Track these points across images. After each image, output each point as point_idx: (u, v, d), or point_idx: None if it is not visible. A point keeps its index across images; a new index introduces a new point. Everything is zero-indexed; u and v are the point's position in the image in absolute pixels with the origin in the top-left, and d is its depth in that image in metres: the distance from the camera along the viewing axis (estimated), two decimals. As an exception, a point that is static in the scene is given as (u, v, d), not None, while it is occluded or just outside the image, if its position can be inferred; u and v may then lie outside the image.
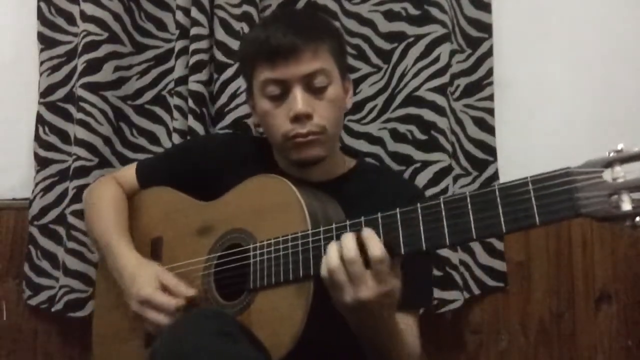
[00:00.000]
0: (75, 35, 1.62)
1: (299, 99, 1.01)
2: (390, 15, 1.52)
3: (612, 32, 1.52)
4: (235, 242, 1.02)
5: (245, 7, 1.48)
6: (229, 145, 1.22)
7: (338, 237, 0.87)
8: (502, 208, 0.75)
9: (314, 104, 1.03)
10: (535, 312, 1.49)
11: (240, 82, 1.47)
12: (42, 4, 1.65)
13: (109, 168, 1.54)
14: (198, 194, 1.14)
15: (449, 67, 1.46)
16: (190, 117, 1.48)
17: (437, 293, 1.41)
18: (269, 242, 0.96)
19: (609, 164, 0.72)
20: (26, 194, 1.63)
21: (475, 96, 1.52)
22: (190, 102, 1.48)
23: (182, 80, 1.51)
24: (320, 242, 0.89)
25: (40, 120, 1.62)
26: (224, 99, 1.49)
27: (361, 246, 0.83)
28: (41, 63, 1.63)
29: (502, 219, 0.75)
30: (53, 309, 1.54)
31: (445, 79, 1.45)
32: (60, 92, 1.62)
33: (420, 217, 0.81)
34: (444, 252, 1.42)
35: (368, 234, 0.84)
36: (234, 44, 1.49)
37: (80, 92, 1.53)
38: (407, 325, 1.01)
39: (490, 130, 1.52)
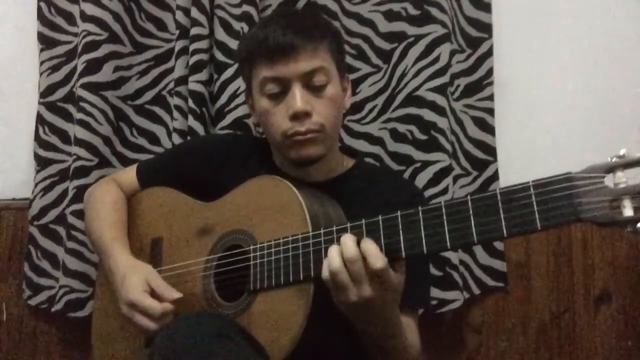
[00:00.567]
0: (75, 35, 1.62)
1: (298, 97, 1.02)
2: (390, 15, 1.52)
3: (612, 32, 1.51)
4: (236, 243, 1.02)
5: (245, 7, 1.48)
6: (229, 145, 1.22)
7: (339, 240, 0.87)
8: (503, 213, 0.75)
9: (312, 102, 1.03)
10: (535, 312, 1.49)
11: (240, 82, 1.47)
12: (42, 4, 1.65)
13: (109, 168, 1.54)
14: (198, 194, 1.14)
15: (449, 67, 1.46)
16: (190, 117, 1.48)
17: (437, 293, 1.41)
18: (269, 243, 0.95)
19: (611, 169, 0.71)
20: (26, 194, 1.63)
21: (475, 96, 1.52)
22: (190, 102, 1.48)
23: (182, 80, 1.51)
24: (320, 245, 0.89)
25: (40, 120, 1.62)
26: (224, 99, 1.49)
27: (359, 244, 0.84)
28: (41, 63, 1.64)
29: (503, 224, 0.75)
30: (53, 309, 1.54)
31: (445, 79, 1.45)
32: (60, 92, 1.62)
33: (422, 221, 0.81)
34: (444, 252, 1.42)
35: (368, 246, 0.83)
36: (234, 44, 1.49)
37: (80, 92, 1.53)
38: (408, 324, 1.01)
39: (490, 130, 1.52)
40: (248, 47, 1.08)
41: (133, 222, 1.20)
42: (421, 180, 1.44)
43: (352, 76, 1.51)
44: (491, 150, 1.52)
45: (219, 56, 1.50)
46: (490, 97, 1.52)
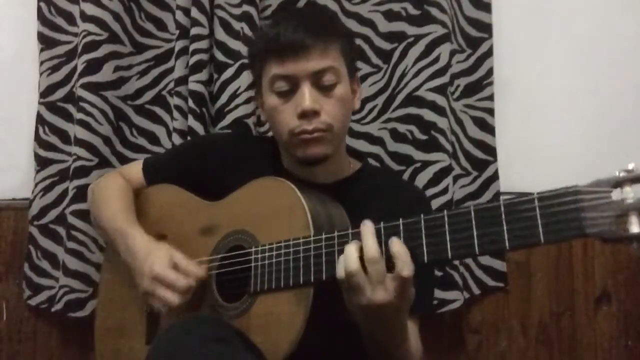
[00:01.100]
0: (75, 35, 1.62)
1: (307, 96, 1.01)
2: (390, 15, 1.52)
3: (612, 31, 1.52)
4: (238, 243, 1.02)
5: (245, 7, 1.48)
6: (235, 144, 1.22)
7: (340, 245, 0.86)
8: (505, 224, 0.74)
9: (321, 101, 1.03)
10: (535, 312, 1.49)
11: (240, 82, 1.47)
12: (42, 4, 1.65)
13: (109, 168, 1.54)
14: (203, 192, 1.14)
15: (449, 67, 1.46)
16: (190, 117, 1.48)
17: (437, 293, 1.41)
18: (270, 246, 0.95)
19: (619, 183, 0.70)
20: (26, 194, 1.63)
21: (475, 96, 1.52)
22: (190, 102, 1.48)
23: (182, 80, 1.51)
24: (321, 250, 0.89)
25: (40, 120, 1.62)
26: (224, 99, 1.49)
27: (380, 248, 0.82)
28: (41, 63, 1.63)
29: (505, 236, 0.73)
30: (53, 309, 1.54)
31: (445, 79, 1.45)
32: (60, 92, 1.62)
33: (447, 225, 0.79)
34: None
35: (399, 248, 0.81)
36: (234, 44, 1.49)
37: (80, 92, 1.53)
38: (411, 329, 1.00)
39: (490, 130, 1.52)
40: (259, 43, 1.09)
41: (138, 219, 1.19)
42: (421, 180, 1.44)
43: (352, 76, 1.51)
44: (491, 150, 1.52)
45: (219, 56, 1.50)
46: (490, 97, 1.52)
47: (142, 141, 1.59)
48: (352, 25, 1.53)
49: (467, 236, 0.77)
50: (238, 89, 1.48)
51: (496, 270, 1.48)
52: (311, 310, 0.89)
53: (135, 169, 1.26)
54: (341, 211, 1.01)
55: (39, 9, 1.65)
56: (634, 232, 0.67)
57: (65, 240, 1.53)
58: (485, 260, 1.49)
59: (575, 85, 1.52)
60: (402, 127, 1.48)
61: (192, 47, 1.48)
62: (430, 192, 1.42)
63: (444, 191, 1.43)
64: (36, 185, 1.60)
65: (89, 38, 1.53)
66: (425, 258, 0.81)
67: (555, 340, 1.48)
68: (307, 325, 0.88)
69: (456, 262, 1.43)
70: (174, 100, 1.52)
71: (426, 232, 0.81)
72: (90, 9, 1.54)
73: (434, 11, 1.46)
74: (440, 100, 1.44)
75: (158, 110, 1.60)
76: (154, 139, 1.60)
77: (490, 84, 1.52)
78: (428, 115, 1.44)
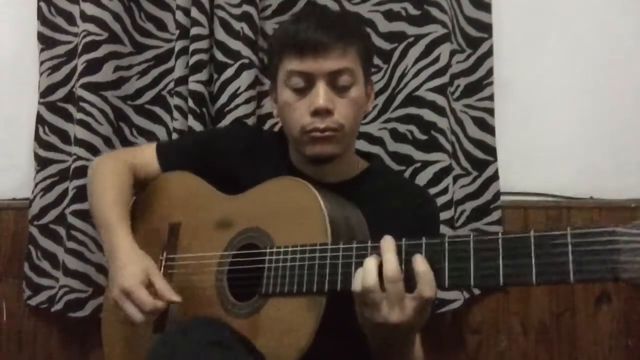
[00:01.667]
0: (75, 35, 1.62)
1: (322, 94, 1.01)
2: (390, 15, 1.52)
3: (612, 32, 1.52)
4: (252, 241, 1.01)
5: (245, 7, 1.48)
6: (253, 138, 1.21)
7: (358, 257, 0.84)
8: (535, 258, 0.70)
9: (335, 101, 1.03)
10: (535, 312, 1.49)
11: (240, 82, 1.47)
12: (42, 4, 1.65)
13: (109, 168, 1.53)
14: (217, 182, 1.13)
15: (449, 67, 1.46)
16: (190, 117, 1.48)
17: (437, 293, 1.41)
18: (286, 249, 0.94)
19: None
20: (26, 194, 1.63)
21: (475, 96, 1.52)
22: (190, 102, 1.48)
23: (182, 80, 1.51)
24: (338, 260, 0.87)
25: (40, 120, 1.62)
26: (224, 99, 1.49)
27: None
28: (41, 63, 1.63)
29: (533, 270, 0.70)
30: (53, 309, 1.54)
31: (445, 79, 1.45)
32: (60, 92, 1.62)
33: (472, 251, 0.76)
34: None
35: (424, 268, 0.79)
36: (234, 44, 1.49)
37: (80, 92, 1.53)
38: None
39: (490, 130, 1.52)
40: (279, 39, 1.08)
41: (153, 204, 1.19)
42: (421, 180, 1.44)
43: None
44: (491, 150, 1.52)
45: (219, 56, 1.50)
46: (490, 97, 1.52)
47: (142, 141, 1.59)
48: (352, 25, 1.53)
49: (492, 265, 0.74)
50: (238, 89, 1.48)
51: (496, 270, 1.48)
52: (322, 320, 0.87)
53: (148, 153, 1.24)
54: (359, 216, 1.01)
55: (39, 9, 1.65)
56: None
57: (65, 240, 1.53)
58: (485, 260, 1.48)
59: (575, 85, 1.52)
60: (402, 127, 1.48)
61: (192, 47, 1.48)
62: (430, 192, 1.41)
63: (444, 191, 1.43)
64: (36, 185, 1.60)
65: (89, 38, 1.53)
66: (447, 283, 0.78)
67: (555, 340, 1.48)
68: (316, 334, 0.87)
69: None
70: (174, 100, 1.52)
71: (449, 256, 0.78)
72: (90, 9, 1.54)
73: (434, 11, 1.46)
74: (440, 100, 1.44)
75: (158, 110, 1.60)
76: (154, 139, 1.59)
77: (490, 84, 1.52)
78: (428, 115, 1.44)
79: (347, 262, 0.86)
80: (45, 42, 1.64)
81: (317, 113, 1.01)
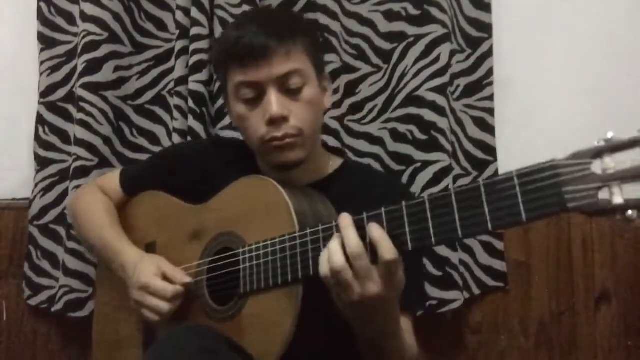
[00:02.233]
0: (75, 35, 1.62)
1: (274, 102, 0.99)
2: (390, 15, 1.52)
3: (612, 32, 1.51)
4: (226, 245, 1.01)
5: (245, 7, 1.48)
6: (209, 151, 1.21)
7: (325, 239, 0.84)
8: (487, 205, 0.72)
9: (289, 106, 1.00)
10: (535, 312, 1.49)
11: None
12: (42, 4, 1.65)
13: (109, 168, 1.54)
14: (187, 198, 1.13)
15: (449, 67, 1.46)
16: (190, 117, 1.48)
17: (437, 293, 1.41)
18: (257, 245, 0.94)
19: (598, 154, 0.67)
20: (26, 194, 1.63)
21: (475, 96, 1.52)
22: (190, 102, 1.48)
23: (182, 80, 1.51)
24: (307, 246, 0.88)
25: (40, 120, 1.62)
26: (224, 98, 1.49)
27: (363, 239, 0.80)
28: (41, 63, 1.64)
29: (487, 217, 0.72)
30: (53, 309, 1.54)
31: (445, 79, 1.45)
32: (60, 92, 1.62)
33: (429, 211, 0.77)
34: (444, 252, 1.42)
35: (378, 233, 0.79)
36: (234, 44, 1.49)
37: (80, 92, 1.53)
38: (405, 326, 0.99)
39: (490, 130, 1.52)
40: (220, 51, 1.06)
41: (127, 229, 1.20)
42: (421, 180, 1.44)
43: (352, 76, 1.51)
44: (491, 150, 1.52)
45: (219, 56, 1.50)
46: (490, 97, 1.52)
47: (142, 141, 1.59)
48: (352, 25, 1.53)
49: (449, 220, 0.75)
50: (238, 89, 1.48)
51: (496, 270, 1.48)
52: (303, 308, 0.88)
53: (112, 181, 1.25)
54: (328, 204, 1.00)
55: (39, 9, 1.65)
56: (617, 202, 0.64)
57: (65, 240, 1.53)
58: (485, 260, 1.48)
59: (575, 85, 1.52)
60: (402, 127, 1.48)
61: (192, 47, 1.48)
62: (430, 192, 1.41)
63: (444, 191, 1.42)
64: (36, 185, 1.60)
65: (89, 38, 1.53)
66: (410, 246, 0.79)
67: (555, 340, 1.48)
68: (300, 324, 0.87)
69: (456, 262, 1.43)
70: (174, 100, 1.52)
71: (409, 220, 0.79)
72: (90, 9, 1.54)
73: (434, 11, 1.46)
74: (440, 100, 1.44)
75: (158, 110, 1.60)
76: (154, 139, 1.60)
77: (490, 84, 1.52)
78: (428, 115, 1.44)
79: (316, 246, 0.86)
80: (45, 42, 1.64)
81: (272, 122, 0.99)
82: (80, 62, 1.54)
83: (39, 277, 1.58)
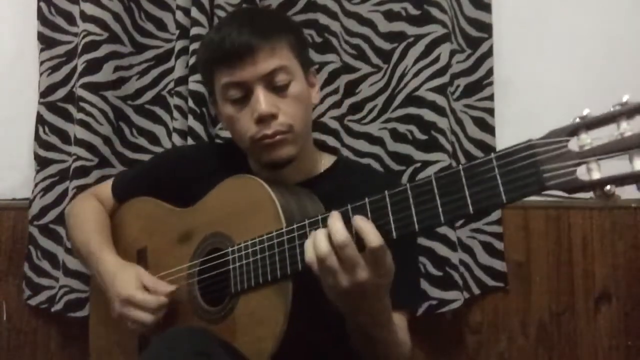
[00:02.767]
0: (75, 35, 1.62)
1: (261, 100, 0.99)
2: (390, 15, 1.52)
3: (612, 32, 1.51)
4: (215, 246, 1.01)
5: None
6: (199, 156, 1.21)
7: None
8: (467, 189, 0.72)
9: (277, 103, 1.00)
10: (535, 312, 1.49)
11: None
12: (42, 4, 1.65)
13: (109, 168, 1.54)
14: (177, 204, 1.14)
15: (449, 67, 1.46)
16: (190, 117, 1.48)
17: (437, 293, 1.41)
18: (245, 244, 0.94)
19: (574, 131, 0.67)
20: (26, 194, 1.63)
21: (475, 96, 1.52)
22: (190, 102, 1.48)
23: (182, 80, 1.51)
24: (295, 241, 0.87)
25: (40, 120, 1.62)
26: (224, 99, 1.49)
27: (350, 230, 0.80)
28: (41, 63, 1.63)
29: (468, 201, 0.72)
30: (53, 309, 1.54)
31: (445, 79, 1.45)
32: (60, 92, 1.62)
33: (411, 198, 0.78)
34: (444, 252, 1.42)
35: (362, 223, 0.79)
36: (234, 44, 1.49)
37: (80, 92, 1.53)
38: (398, 322, 0.98)
39: (490, 130, 1.52)
40: (205, 53, 1.06)
41: (118, 235, 1.21)
42: (421, 180, 1.43)
43: (352, 76, 1.51)
44: (491, 150, 1.51)
45: (219, 56, 1.50)
46: (490, 97, 1.52)
47: (142, 141, 1.59)
48: (352, 25, 1.53)
49: (431, 206, 0.75)
50: (238, 89, 1.48)
51: (496, 270, 1.48)
52: (294, 305, 0.87)
53: (105, 189, 1.27)
54: (316, 201, 1.00)
55: (39, 9, 1.65)
56: (595, 178, 0.64)
57: (65, 240, 1.53)
58: (485, 260, 1.49)
59: (576, 85, 1.52)
60: (402, 127, 1.48)
61: (192, 47, 1.48)
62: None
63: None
64: (36, 185, 1.60)
65: (89, 38, 1.53)
66: (394, 234, 0.79)
67: (555, 340, 1.48)
68: (292, 320, 0.87)
69: (456, 262, 1.42)
70: (174, 100, 1.52)
71: (392, 208, 0.79)
72: (90, 9, 1.54)
73: (434, 11, 1.46)
74: (440, 100, 1.44)
75: (158, 110, 1.60)
76: (154, 139, 1.60)
77: (490, 84, 1.52)
78: (428, 115, 1.44)
79: (303, 241, 0.85)
80: (45, 42, 1.64)
81: (262, 120, 0.99)
82: (80, 62, 1.54)
83: (39, 277, 1.58)
